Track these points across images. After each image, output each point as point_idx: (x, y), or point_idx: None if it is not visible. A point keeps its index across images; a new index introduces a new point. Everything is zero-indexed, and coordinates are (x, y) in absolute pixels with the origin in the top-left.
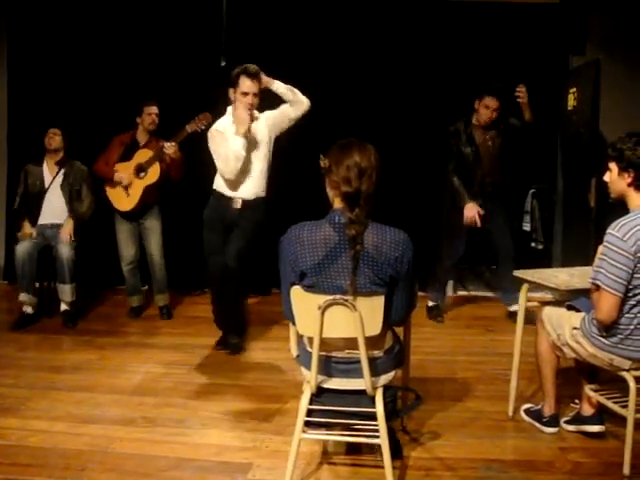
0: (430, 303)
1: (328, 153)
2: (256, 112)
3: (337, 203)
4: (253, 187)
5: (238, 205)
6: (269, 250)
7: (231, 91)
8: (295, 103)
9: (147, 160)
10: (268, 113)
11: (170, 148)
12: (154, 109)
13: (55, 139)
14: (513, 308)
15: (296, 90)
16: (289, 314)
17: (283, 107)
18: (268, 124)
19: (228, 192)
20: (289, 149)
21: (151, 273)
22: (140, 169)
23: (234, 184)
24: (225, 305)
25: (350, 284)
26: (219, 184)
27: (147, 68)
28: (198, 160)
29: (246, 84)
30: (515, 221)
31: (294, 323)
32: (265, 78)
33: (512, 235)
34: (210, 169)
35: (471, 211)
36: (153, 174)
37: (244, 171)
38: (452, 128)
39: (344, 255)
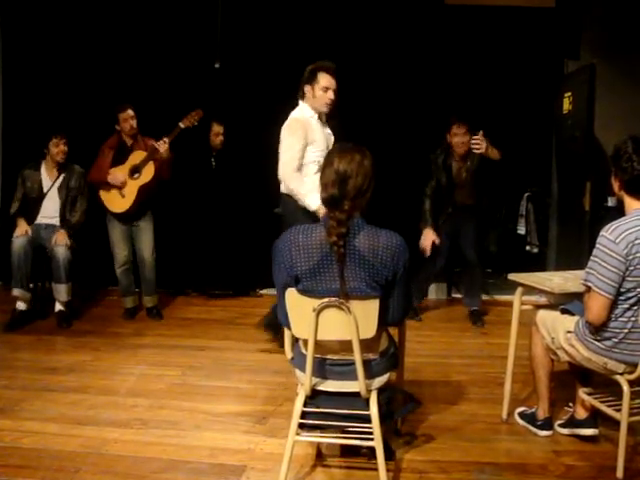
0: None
1: None
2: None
3: None
4: None
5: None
6: (262, 253)
7: (307, 88)
8: None
9: (141, 161)
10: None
11: (163, 145)
12: (129, 113)
13: (63, 153)
14: (473, 308)
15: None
16: (285, 320)
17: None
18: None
19: None
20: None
21: (141, 274)
22: (134, 170)
23: None
24: None
25: (340, 288)
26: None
27: (143, 69)
28: (189, 162)
29: (327, 79)
30: (510, 224)
31: (290, 329)
32: None
33: (478, 250)
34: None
35: (426, 239)
36: (147, 173)
37: None
38: (433, 157)
39: None
